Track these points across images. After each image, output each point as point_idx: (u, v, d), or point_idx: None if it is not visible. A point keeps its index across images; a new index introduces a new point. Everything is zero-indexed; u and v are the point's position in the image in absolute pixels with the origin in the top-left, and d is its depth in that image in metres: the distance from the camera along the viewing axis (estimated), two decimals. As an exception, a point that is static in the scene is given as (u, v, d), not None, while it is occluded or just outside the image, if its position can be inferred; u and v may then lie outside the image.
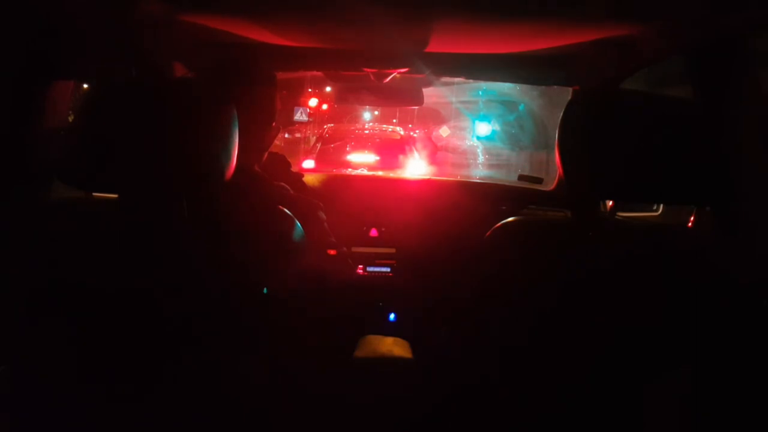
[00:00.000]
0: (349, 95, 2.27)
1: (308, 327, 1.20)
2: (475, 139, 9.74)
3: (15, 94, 1.18)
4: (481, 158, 10.21)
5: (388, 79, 1.91)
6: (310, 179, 2.05)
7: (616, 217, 1.68)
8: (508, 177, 8.46)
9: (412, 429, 1.36)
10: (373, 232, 2.13)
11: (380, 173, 3.67)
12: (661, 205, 1.96)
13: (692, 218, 1.37)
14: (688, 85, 1.24)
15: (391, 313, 2.14)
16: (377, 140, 6.88)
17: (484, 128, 7.41)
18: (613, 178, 0.98)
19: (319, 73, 2.21)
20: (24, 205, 1.19)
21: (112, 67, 1.39)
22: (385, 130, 7.79)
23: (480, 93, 9.51)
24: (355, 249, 2.09)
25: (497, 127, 8.50)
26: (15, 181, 1.19)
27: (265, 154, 1.38)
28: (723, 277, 0.97)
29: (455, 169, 9.06)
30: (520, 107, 8.51)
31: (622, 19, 1.26)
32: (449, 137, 9.85)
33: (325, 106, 11.23)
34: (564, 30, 1.38)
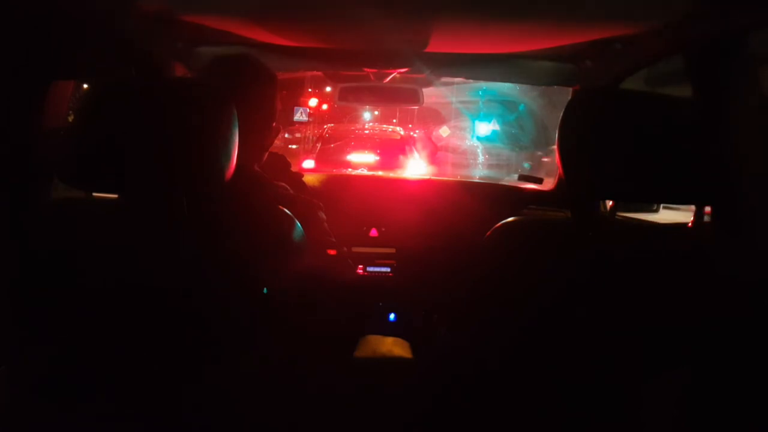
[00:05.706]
0: (349, 95, 2.27)
1: (308, 327, 1.20)
2: (475, 139, 9.75)
3: (15, 94, 1.18)
4: (481, 158, 10.23)
5: (388, 79, 1.91)
6: (310, 179, 2.05)
7: (616, 217, 1.68)
8: (508, 177, 8.47)
9: (412, 429, 1.36)
10: (373, 232, 2.14)
11: (380, 173, 3.68)
12: (661, 205, 1.96)
13: (692, 218, 1.37)
14: (688, 85, 1.24)
15: (391, 313, 2.14)
16: (377, 140, 6.89)
17: (484, 128, 7.44)
18: (613, 178, 0.98)
19: (319, 73, 2.21)
20: (24, 205, 1.19)
21: (112, 67, 1.38)
22: (385, 130, 7.80)
23: (480, 93, 9.53)
24: (355, 249, 2.09)
25: (497, 127, 8.52)
26: (15, 181, 1.19)
27: (265, 154, 1.38)
28: (723, 277, 0.97)
29: (455, 169, 9.08)
30: (520, 107, 8.54)
31: (622, 19, 1.26)
32: (449, 137, 9.86)
33: (325, 106, 11.27)
34: (564, 30, 1.38)
